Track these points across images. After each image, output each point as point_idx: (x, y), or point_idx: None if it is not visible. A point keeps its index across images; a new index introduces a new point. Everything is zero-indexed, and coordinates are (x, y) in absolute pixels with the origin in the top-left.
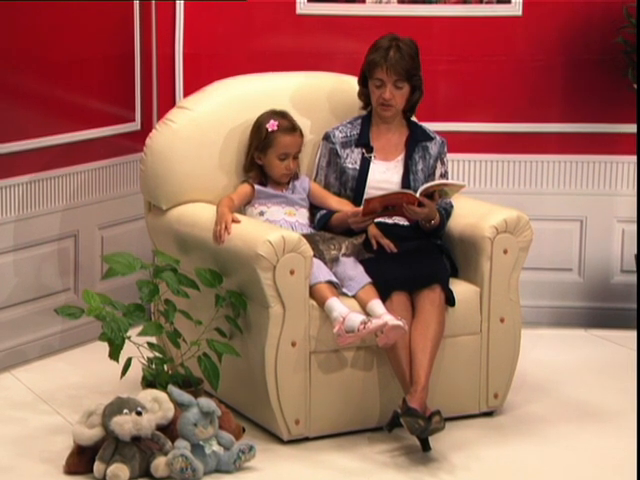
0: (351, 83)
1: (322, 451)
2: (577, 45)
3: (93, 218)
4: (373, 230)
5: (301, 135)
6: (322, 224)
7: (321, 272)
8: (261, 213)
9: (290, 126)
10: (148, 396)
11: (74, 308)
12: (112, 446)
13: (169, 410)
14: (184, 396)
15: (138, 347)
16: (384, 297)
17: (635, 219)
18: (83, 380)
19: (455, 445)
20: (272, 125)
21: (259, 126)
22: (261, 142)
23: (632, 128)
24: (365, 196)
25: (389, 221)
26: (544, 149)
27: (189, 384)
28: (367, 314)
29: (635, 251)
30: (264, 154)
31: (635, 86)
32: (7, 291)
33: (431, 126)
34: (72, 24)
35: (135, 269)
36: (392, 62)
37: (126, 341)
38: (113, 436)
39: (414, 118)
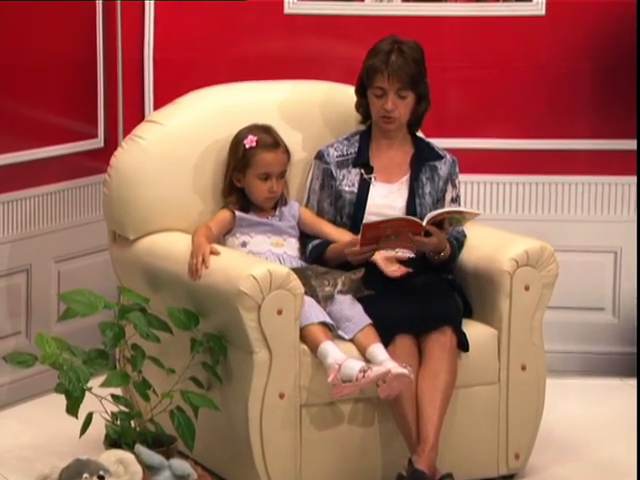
0: (348, 93)
1: None
2: (607, 49)
3: (48, 250)
4: (378, 255)
5: (286, 152)
6: (315, 256)
7: (313, 312)
8: (243, 244)
9: (272, 142)
10: (112, 457)
11: (25, 355)
12: None
13: (136, 474)
14: (154, 457)
15: (100, 400)
16: (386, 341)
17: None
18: (36, 439)
19: None
20: (250, 141)
21: (237, 143)
22: (239, 161)
23: None
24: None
25: (392, 253)
26: (571, 169)
27: (160, 443)
28: (367, 360)
29: None
30: (243, 175)
31: None
32: None
33: (440, 142)
34: (24, 25)
35: (97, 309)
36: (394, 67)
37: (86, 393)
38: None
39: (420, 133)
